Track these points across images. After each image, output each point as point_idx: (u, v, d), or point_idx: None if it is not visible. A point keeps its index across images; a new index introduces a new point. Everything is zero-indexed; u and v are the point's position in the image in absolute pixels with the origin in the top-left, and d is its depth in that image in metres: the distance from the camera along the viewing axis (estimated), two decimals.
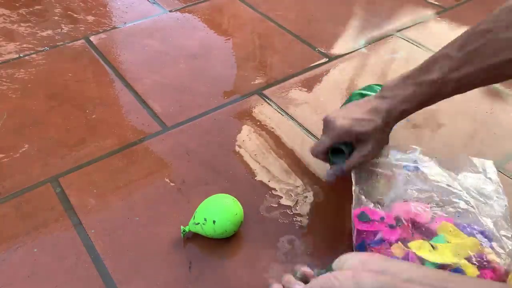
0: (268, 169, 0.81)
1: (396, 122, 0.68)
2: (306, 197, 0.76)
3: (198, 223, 0.67)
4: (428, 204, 0.68)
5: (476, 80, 0.61)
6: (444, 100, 0.95)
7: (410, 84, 0.64)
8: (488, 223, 0.65)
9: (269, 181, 0.78)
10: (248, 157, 0.83)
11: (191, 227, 0.68)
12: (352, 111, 0.68)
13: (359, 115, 0.66)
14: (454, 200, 0.68)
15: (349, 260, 0.48)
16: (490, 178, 0.72)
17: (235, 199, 0.69)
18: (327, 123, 0.69)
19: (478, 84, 0.63)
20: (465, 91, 0.63)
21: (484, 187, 0.70)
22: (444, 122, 0.91)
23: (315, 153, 0.72)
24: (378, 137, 0.67)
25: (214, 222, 0.66)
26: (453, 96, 0.96)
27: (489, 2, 1.29)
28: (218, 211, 0.67)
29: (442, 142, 0.87)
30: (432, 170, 0.72)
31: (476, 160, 0.74)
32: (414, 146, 0.78)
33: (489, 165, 0.74)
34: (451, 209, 0.67)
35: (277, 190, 0.77)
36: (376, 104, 0.66)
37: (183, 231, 0.68)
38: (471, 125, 0.91)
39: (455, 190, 0.69)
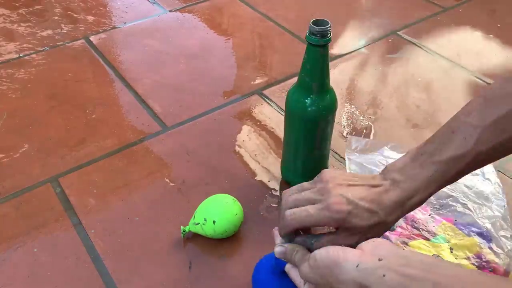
0: (268, 169, 0.81)
1: (408, 212, 0.51)
2: None
3: (198, 223, 0.67)
4: (425, 205, 0.68)
5: (510, 147, 0.49)
6: (444, 100, 0.96)
7: (428, 164, 0.49)
8: (486, 224, 0.65)
9: (269, 181, 0.78)
10: (248, 157, 0.83)
11: (191, 227, 0.68)
12: (356, 190, 0.50)
13: (363, 202, 0.49)
14: (452, 203, 0.68)
15: (366, 243, 0.46)
16: (488, 179, 0.72)
17: (235, 199, 0.69)
18: (322, 190, 0.50)
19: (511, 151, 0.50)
20: (496, 159, 0.51)
21: (482, 189, 0.70)
22: (444, 122, 0.91)
23: (293, 223, 0.51)
24: (373, 233, 0.50)
25: (214, 222, 0.66)
26: (453, 96, 0.97)
27: (489, 2, 1.29)
28: (218, 211, 0.67)
29: None
30: None
31: None
32: (407, 147, 0.78)
33: (487, 167, 0.74)
34: (448, 213, 0.67)
35: (277, 190, 0.77)
36: (385, 191, 0.50)
37: (183, 231, 0.68)
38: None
39: (452, 193, 0.69)
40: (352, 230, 0.49)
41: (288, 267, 0.53)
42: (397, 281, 0.40)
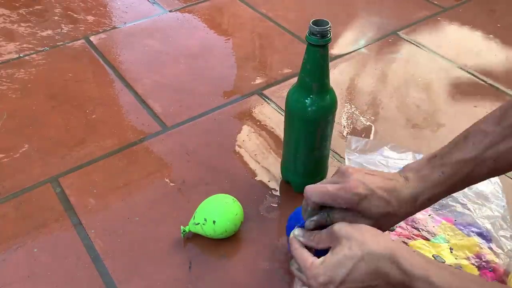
0: (268, 169, 0.81)
1: (419, 210, 0.53)
2: None
3: (198, 223, 0.67)
4: None
5: None
6: (444, 100, 0.96)
7: (437, 166, 0.52)
8: (486, 224, 0.65)
9: (269, 181, 0.78)
10: (248, 157, 0.83)
11: (191, 227, 0.68)
12: (374, 179, 0.52)
13: (380, 190, 0.51)
14: (451, 203, 0.68)
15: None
16: (489, 180, 0.72)
17: (235, 199, 0.69)
18: (342, 175, 0.53)
19: None
20: (504, 171, 0.52)
21: (481, 189, 0.70)
22: (444, 122, 0.91)
23: (307, 195, 0.54)
24: (382, 222, 0.52)
25: (214, 222, 0.66)
26: (453, 96, 0.97)
27: (489, 2, 1.29)
28: (218, 211, 0.67)
29: (442, 142, 0.86)
30: None
31: None
32: (407, 147, 0.78)
33: None
34: (448, 213, 0.67)
35: (277, 190, 0.77)
36: (400, 185, 0.52)
37: (183, 231, 0.68)
38: (471, 125, 0.91)
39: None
40: (363, 214, 0.51)
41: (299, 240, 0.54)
42: (426, 261, 0.45)
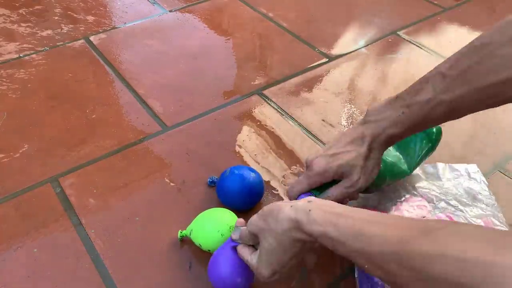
0: (268, 169, 0.81)
1: (384, 148, 0.61)
2: None
3: (194, 242, 0.66)
4: (423, 205, 0.68)
5: (471, 102, 0.52)
6: None
7: (398, 106, 0.57)
8: (478, 223, 0.65)
9: (269, 181, 0.78)
10: (248, 157, 0.83)
11: (187, 233, 0.67)
12: (332, 146, 0.62)
13: (339, 149, 0.60)
14: (445, 205, 0.68)
15: None
16: (474, 179, 0.72)
17: (233, 225, 0.66)
18: (307, 164, 0.63)
19: (473, 108, 0.53)
20: (459, 115, 0.55)
21: (469, 188, 0.70)
22: None
23: (291, 196, 0.64)
24: (362, 165, 0.60)
25: (209, 250, 0.65)
26: None
27: (489, 2, 1.29)
28: (212, 243, 0.64)
29: (442, 142, 0.86)
30: (416, 178, 0.72)
31: (457, 165, 0.74)
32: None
33: (472, 168, 0.74)
34: (441, 214, 0.67)
35: (277, 190, 0.77)
36: (360, 131, 0.60)
37: (180, 236, 0.68)
38: (471, 125, 0.91)
39: (443, 196, 0.69)
40: (344, 172, 0.61)
41: (240, 247, 0.58)
42: (322, 216, 0.47)
